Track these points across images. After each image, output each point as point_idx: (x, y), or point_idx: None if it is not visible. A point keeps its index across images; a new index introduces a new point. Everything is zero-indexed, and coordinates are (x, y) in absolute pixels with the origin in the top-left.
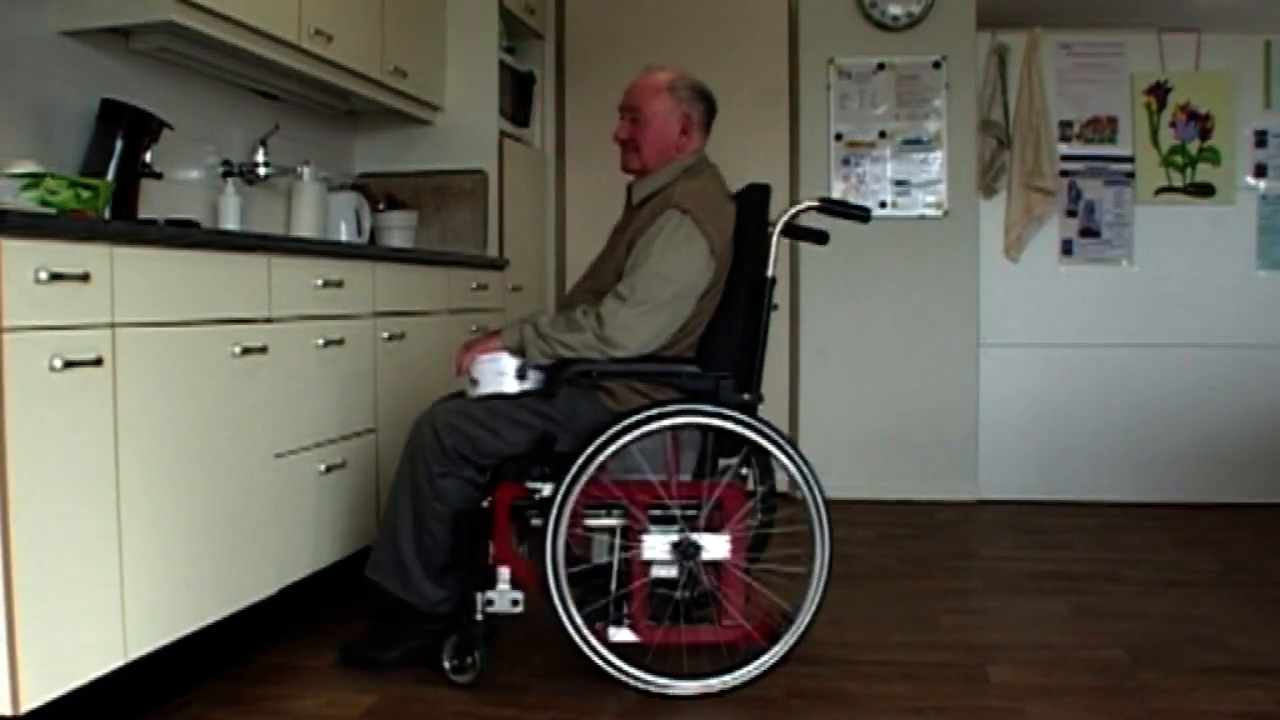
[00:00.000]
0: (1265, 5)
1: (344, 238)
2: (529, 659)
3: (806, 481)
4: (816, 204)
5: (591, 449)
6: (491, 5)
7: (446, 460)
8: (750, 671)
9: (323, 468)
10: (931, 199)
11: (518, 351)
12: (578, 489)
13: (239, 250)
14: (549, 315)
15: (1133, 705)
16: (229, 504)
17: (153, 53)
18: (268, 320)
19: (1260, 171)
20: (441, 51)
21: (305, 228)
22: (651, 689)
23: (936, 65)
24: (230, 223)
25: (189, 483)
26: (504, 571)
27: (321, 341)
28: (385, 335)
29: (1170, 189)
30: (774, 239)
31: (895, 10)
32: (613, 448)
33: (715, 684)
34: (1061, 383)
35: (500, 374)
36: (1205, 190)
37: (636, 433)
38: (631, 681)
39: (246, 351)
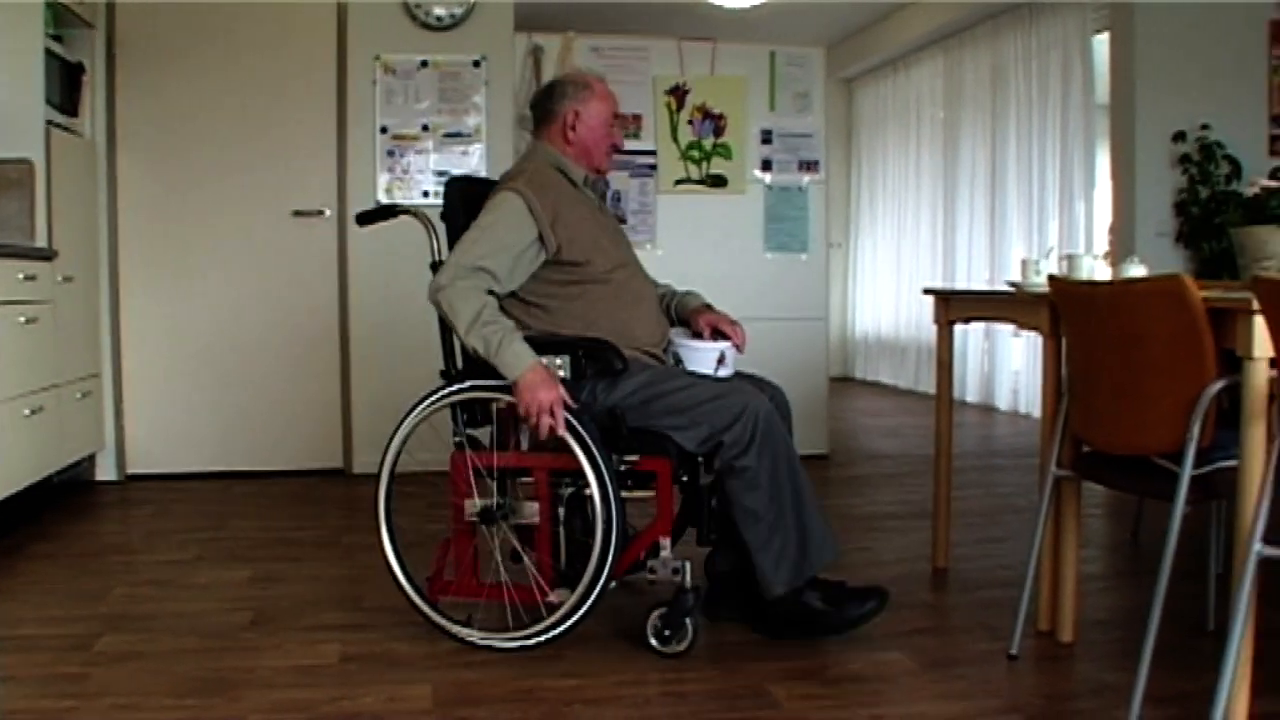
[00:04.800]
0: (772, 20)
1: None
2: (92, 645)
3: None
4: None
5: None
6: None
7: None
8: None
9: None
10: None
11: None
12: None
13: None
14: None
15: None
16: None
17: None
18: None
19: (766, 166)
20: None
21: None
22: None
23: (477, 64)
24: None
25: None
26: None
27: None
28: None
29: (688, 181)
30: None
31: (439, 11)
32: None
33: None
34: None
35: None
36: (719, 182)
37: None
38: None
39: None
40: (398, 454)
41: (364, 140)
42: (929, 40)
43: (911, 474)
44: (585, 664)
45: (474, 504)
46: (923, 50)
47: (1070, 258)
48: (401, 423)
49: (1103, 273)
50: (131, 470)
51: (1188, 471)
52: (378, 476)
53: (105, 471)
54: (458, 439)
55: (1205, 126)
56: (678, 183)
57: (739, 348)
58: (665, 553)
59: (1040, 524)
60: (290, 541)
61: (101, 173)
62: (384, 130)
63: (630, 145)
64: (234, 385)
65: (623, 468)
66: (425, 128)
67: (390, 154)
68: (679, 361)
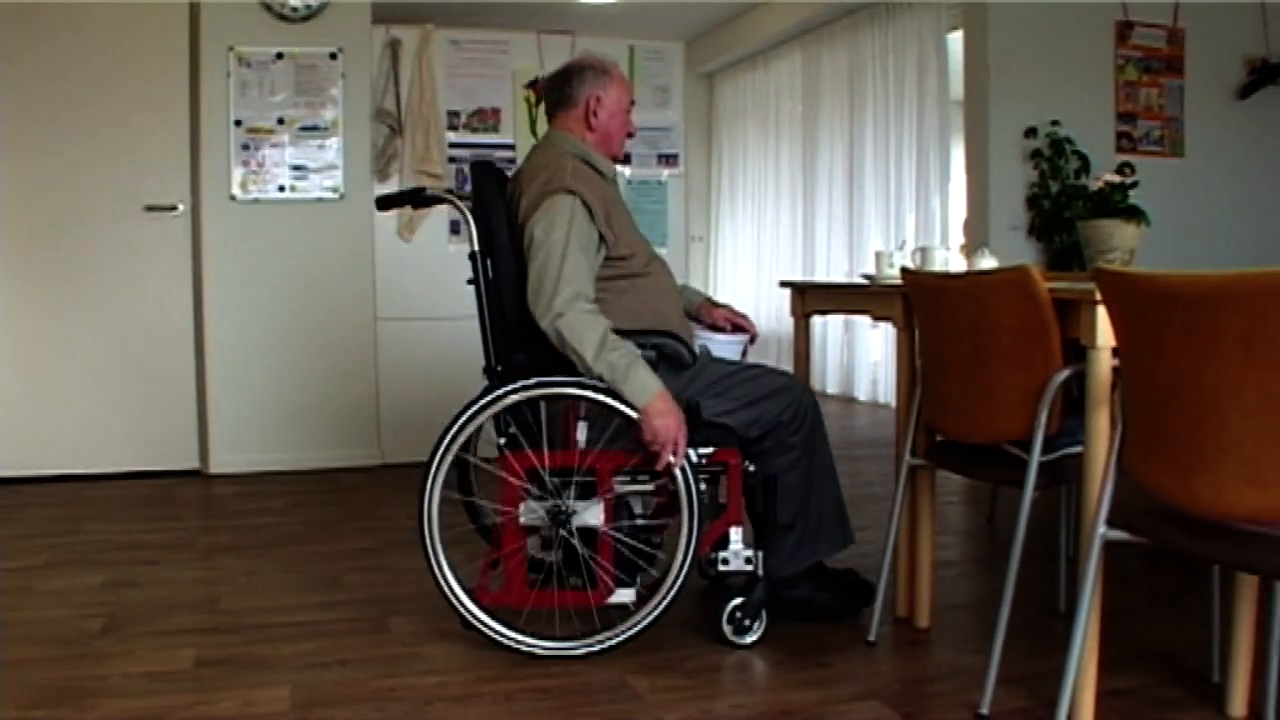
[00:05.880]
0: (631, 15)
1: None
2: None
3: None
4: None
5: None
6: None
7: None
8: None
9: None
10: (329, 183)
11: None
12: None
13: None
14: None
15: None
16: None
17: None
18: None
19: (625, 159)
20: None
21: None
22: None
23: (334, 56)
24: None
25: None
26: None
27: None
28: None
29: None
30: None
31: (294, 2)
32: None
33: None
34: (453, 352)
35: None
36: None
37: None
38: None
39: None
40: (450, 455)
41: (217, 133)
42: (788, 36)
43: None
44: (446, 661)
45: (536, 507)
46: (782, 46)
47: (924, 250)
48: (459, 420)
49: (957, 264)
50: None
51: (1036, 458)
52: (428, 479)
53: None
54: (502, 440)
55: (1055, 123)
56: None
57: (753, 340)
58: (736, 544)
59: (895, 513)
60: (145, 545)
61: None
62: (238, 123)
63: (489, 139)
64: (85, 385)
65: (703, 460)
66: (281, 121)
67: (245, 147)
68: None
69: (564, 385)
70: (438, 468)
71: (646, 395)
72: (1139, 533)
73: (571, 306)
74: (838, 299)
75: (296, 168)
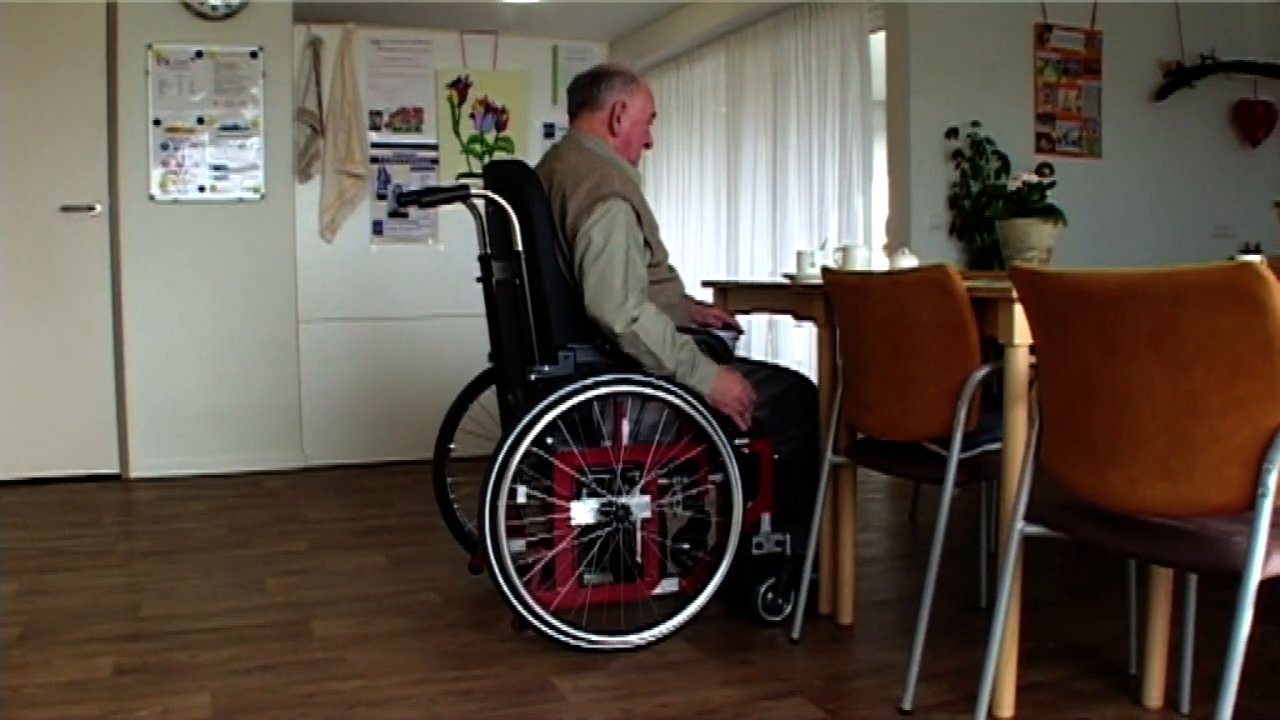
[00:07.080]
0: (554, 15)
1: None
2: None
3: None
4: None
5: None
6: None
7: None
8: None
9: None
10: (250, 184)
11: None
12: None
13: None
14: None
15: (445, 640)
16: None
17: None
18: None
19: None
20: None
21: None
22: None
23: (254, 55)
24: None
25: None
26: None
27: None
28: None
29: (471, 174)
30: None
31: (214, 0)
32: None
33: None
34: (376, 353)
35: None
36: None
37: None
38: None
39: None
40: (518, 454)
41: (136, 133)
42: (712, 36)
43: None
44: (369, 665)
45: (591, 504)
46: (705, 46)
47: (845, 249)
48: (528, 420)
49: (879, 263)
50: None
51: (955, 455)
52: (496, 477)
53: None
54: (551, 440)
55: (976, 123)
56: (459, 176)
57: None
58: (767, 528)
59: (818, 510)
60: (63, 551)
61: None
62: (157, 123)
63: (411, 139)
64: None
65: (743, 450)
66: (201, 120)
67: (164, 147)
68: None
69: (639, 384)
70: (504, 466)
71: (710, 380)
72: (1056, 527)
73: (642, 308)
74: (761, 298)
75: (217, 168)
